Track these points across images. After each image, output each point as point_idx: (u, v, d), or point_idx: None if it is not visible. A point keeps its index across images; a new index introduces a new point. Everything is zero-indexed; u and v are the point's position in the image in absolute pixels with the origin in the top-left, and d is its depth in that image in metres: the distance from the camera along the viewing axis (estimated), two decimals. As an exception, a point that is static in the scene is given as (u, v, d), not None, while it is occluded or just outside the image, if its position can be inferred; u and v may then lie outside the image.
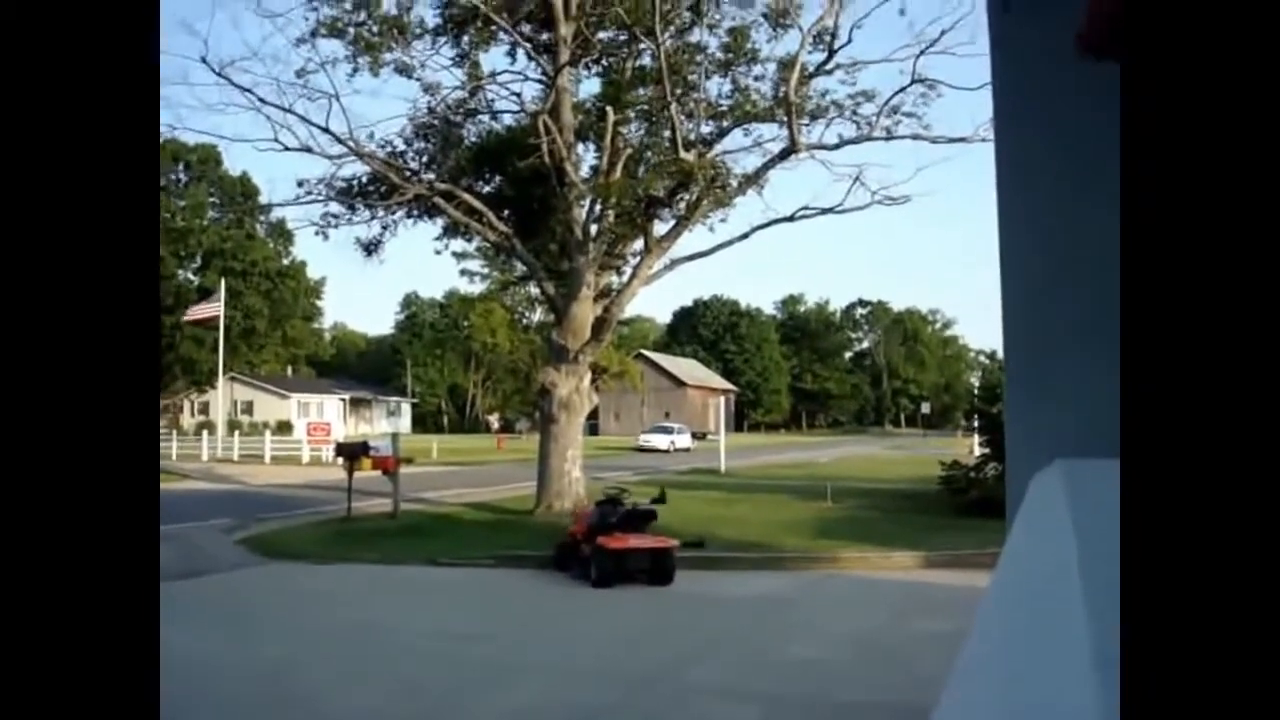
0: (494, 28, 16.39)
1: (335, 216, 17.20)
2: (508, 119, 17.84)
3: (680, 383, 71.91)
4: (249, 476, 26.17)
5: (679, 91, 15.78)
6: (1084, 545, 0.87)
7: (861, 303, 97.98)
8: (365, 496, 16.14)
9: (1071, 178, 1.15)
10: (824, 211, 15.88)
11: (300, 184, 16.84)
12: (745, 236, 16.32)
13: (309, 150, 15.95)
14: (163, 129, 18.66)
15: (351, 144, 16.03)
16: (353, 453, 16.08)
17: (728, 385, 76.66)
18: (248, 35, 64.19)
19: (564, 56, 16.05)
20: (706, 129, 16.61)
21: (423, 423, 69.92)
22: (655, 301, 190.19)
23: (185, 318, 42.81)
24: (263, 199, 42.29)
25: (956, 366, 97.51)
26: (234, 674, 6.44)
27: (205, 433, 39.11)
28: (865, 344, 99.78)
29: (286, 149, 15.95)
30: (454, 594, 10.13)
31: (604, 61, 17.58)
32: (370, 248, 17.74)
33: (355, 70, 16.11)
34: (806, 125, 15.62)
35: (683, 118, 15.46)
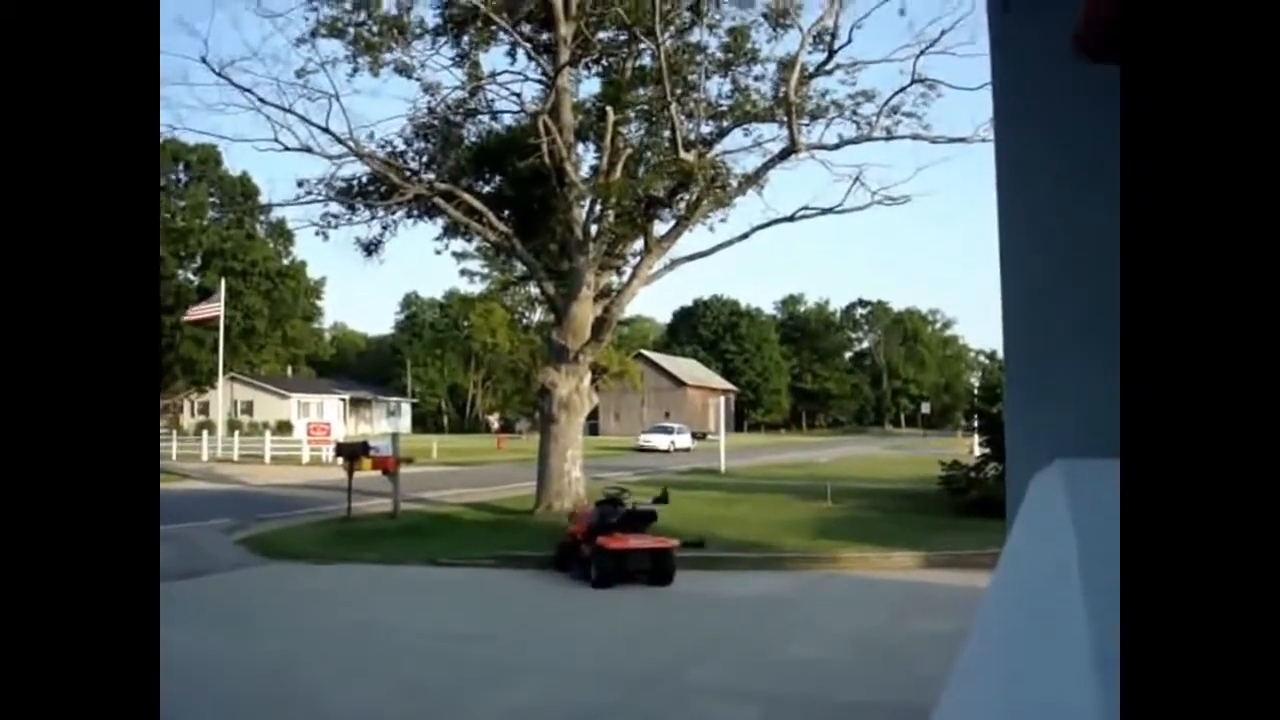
0: (494, 28, 16.40)
1: (335, 216, 17.23)
2: (508, 119, 17.88)
3: (680, 383, 71.91)
4: (249, 476, 26.18)
5: (679, 91, 15.78)
6: (1084, 545, 0.87)
7: (861, 303, 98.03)
8: (365, 496, 16.14)
9: (1071, 178, 1.15)
10: (824, 211, 15.90)
11: (300, 184, 16.88)
12: (745, 236, 16.35)
13: (309, 150, 15.98)
14: (163, 129, 18.67)
15: (351, 144, 16.05)
16: (353, 453, 16.08)
17: (728, 385, 76.64)
18: (248, 35, 64.19)
19: (564, 56, 16.05)
20: (706, 129, 16.63)
21: (423, 423, 69.92)
22: (655, 301, 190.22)
23: (185, 318, 42.81)
24: (263, 199, 42.28)
25: (956, 366, 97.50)
26: (234, 673, 6.45)
27: (205, 433, 39.12)
28: (865, 344, 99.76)
29: (286, 149, 15.98)
30: (454, 594, 10.13)
31: (604, 61, 17.58)
32: (370, 248, 17.76)
33: (355, 70, 16.14)
34: (806, 125, 15.64)
35: (683, 118, 15.46)
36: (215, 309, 40.67)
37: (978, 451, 18.95)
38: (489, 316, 50.20)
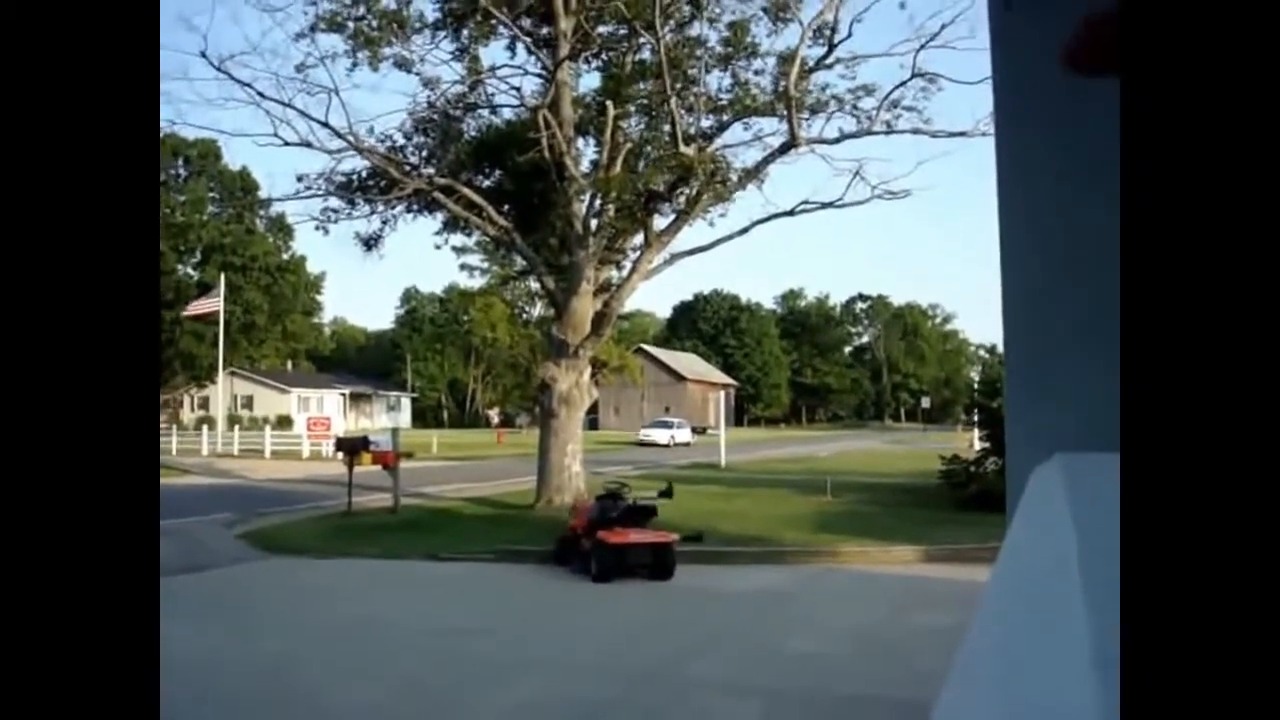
0: (493, 22, 16.37)
1: (335, 211, 17.21)
2: (507, 113, 17.84)
3: (680, 377, 71.95)
4: (249, 471, 26.20)
5: (679, 86, 15.76)
6: (1083, 539, 0.87)
7: (861, 297, 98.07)
8: (365, 491, 16.16)
9: (1071, 176, 1.15)
10: (824, 206, 15.89)
11: (300, 179, 16.87)
12: (745, 231, 16.32)
13: (308, 145, 15.96)
14: (163, 124, 18.65)
15: (351, 139, 16.04)
16: (353, 448, 16.08)
17: (727, 380, 76.68)
18: (247, 30, 64.18)
19: (564, 51, 16.03)
20: (706, 123, 16.61)
21: (423, 417, 69.96)
22: (655, 296, 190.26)
23: (185, 313, 42.78)
24: (262, 194, 42.42)
25: (956, 361, 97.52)
26: (234, 669, 6.45)
27: (205, 428, 39.14)
28: (865, 338, 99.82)
29: (286, 144, 15.97)
30: (454, 589, 10.14)
31: (604, 56, 17.55)
32: (370, 242, 17.75)
33: (354, 65, 16.11)
34: (806, 119, 15.62)
35: (682, 112, 15.45)
36: (215, 304, 40.64)
37: (977, 446, 18.97)
38: (489, 311, 50.25)
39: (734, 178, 16.44)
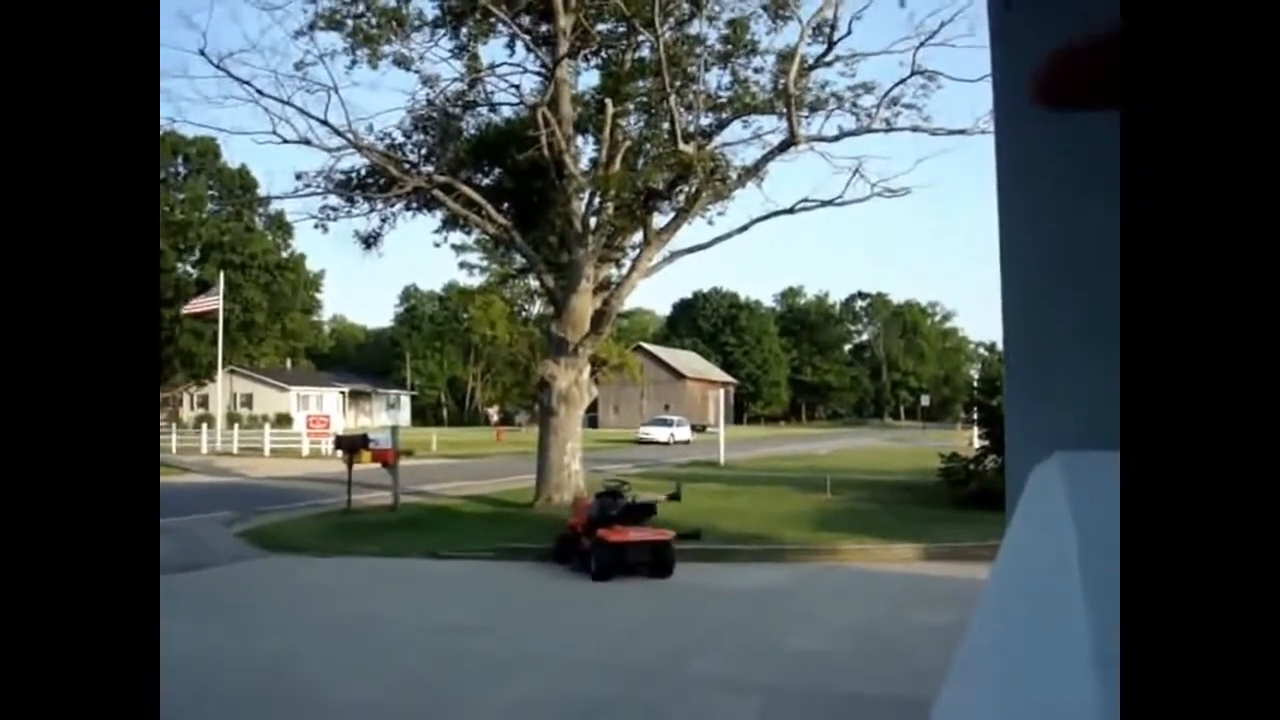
0: (493, 20, 16.36)
1: (334, 209, 17.20)
2: (507, 111, 17.84)
3: (680, 375, 71.94)
4: (248, 469, 26.20)
5: (678, 83, 15.75)
6: (1083, 537, 0.87)
7: (861, 295, 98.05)
8: (365, 489, 16.16)
9: (1071, 176, 1.15)
10: (823, 204, 15.89)
11: (299, 176, 16.87)
12: (744, 229, 16.32)
13: (308, 143, 15.95)
14: (162, 122, 18.64)
15: (350, 136, 16.03)
16: (352, 445, 16.08)
17: (727, 378, 76.70)
18: (246, 28, 64.18)
19: (563, 48, 16.02)
20: (706, 121, 16.60)
21: (422, 415, 69.98)
22: (654, 294, 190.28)
23: (184, 311, 42.75)
24: (261, 191, 42.43)
25: (956, 359, 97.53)
26: (234, 667, 6.46)
27: (205, 426, 39.17)
28: (865, 336, 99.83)
29: (285, 141, 15.95)
30: (454, 586, 10.15)
31: (603, 53, 17.54)
32: (369, 240, 17.74)
33: (354, 63, 16.09)
34: (806, 117, 15.61)
35: (682, 110, 15.44)
36: (214, 302, 40.63)
37: (977, 444, 18.95)
38: (488, 309, 50.19)
39: (733, 175, 16.44)
